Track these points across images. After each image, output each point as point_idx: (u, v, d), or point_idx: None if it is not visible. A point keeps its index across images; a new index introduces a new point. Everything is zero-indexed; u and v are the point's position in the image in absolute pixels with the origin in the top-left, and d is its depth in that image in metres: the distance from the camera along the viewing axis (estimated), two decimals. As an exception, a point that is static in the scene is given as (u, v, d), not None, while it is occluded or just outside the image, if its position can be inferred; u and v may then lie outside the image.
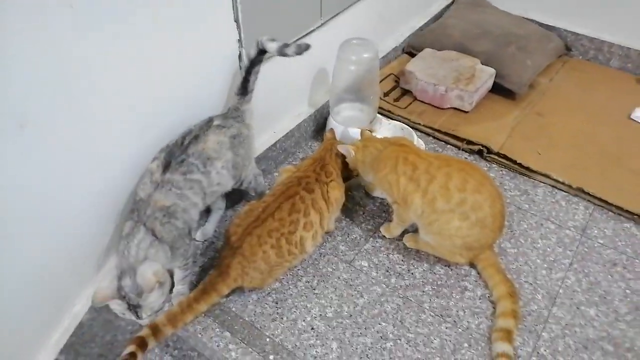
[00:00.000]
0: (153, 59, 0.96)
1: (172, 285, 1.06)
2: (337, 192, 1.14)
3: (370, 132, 1.26)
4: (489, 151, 1.42)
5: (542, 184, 1.36)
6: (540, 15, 1.85)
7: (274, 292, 1.10)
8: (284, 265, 1.07)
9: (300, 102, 1.47)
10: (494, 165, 1.42)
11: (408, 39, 1.83)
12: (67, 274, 0.99)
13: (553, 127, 1.52)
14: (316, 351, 0.99)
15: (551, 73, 1.74)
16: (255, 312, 1.06)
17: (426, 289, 1.11)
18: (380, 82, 1.63)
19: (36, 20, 0.73)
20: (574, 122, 1.53)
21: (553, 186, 1.35)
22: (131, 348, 0.88)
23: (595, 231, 1.23)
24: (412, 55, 1.75)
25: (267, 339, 1.01)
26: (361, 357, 0.99)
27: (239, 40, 1.12)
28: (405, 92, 1.65)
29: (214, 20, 1.05)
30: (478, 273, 1.13)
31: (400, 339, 1.01)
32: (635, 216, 1.24)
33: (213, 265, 1.05)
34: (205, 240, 1.20)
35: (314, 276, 1.13)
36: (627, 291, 1.10)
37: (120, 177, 1.00)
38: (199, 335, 1.01)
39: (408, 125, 1.41)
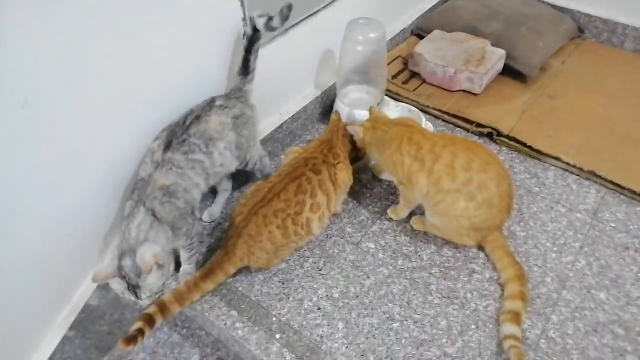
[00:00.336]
0: (156, 38, 0.95)
1: (179, 265, 1.06)
2: (344, 174, 1.13)
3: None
4: (499, 134, 1.40)
5: (553, 167, 1.34)
6: (553, -5, 1.81)
7: (280, 272, 1.10)
8: (290, 245, 1.06)
9: (307, 84, 1.45)
10: (503, 148, 1.40)
11: (417, 20, 1.79)
12: (74, 253, 0.99)
13: (565, 109, 1.48)
14: (322, 331, 0.99)
15: (563, 55, 1.70)
16: (261, 291, 1.06)
17: (433, 270, 1.10)
18: (389, 64, 1.61)
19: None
20: (586, 105, 1.50)
21: (564, 169, 1.33)
22: (139, 324, 0.88)
23: (607, 214, 1.21)
24: (421, 37, 1.72)
25: (274, 318, 1.01)
26: (367, 337, 0.98)
27: (244, 19, 1.10)
28: (414, 74, 1.62)
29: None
30: (486, 255, 1.12)
31: (406, 320, 1.01)
32: (648, 199, 1.22)
33: (220, 245, 1.05)
34: (212, 221, 1.20)
35: (321, 257, 1.13)
36: (639, 275, 1.08)
37: (124, 157, 1.00)
38: (206, 314, 1.02)
39: (416, 108, 1.39)
